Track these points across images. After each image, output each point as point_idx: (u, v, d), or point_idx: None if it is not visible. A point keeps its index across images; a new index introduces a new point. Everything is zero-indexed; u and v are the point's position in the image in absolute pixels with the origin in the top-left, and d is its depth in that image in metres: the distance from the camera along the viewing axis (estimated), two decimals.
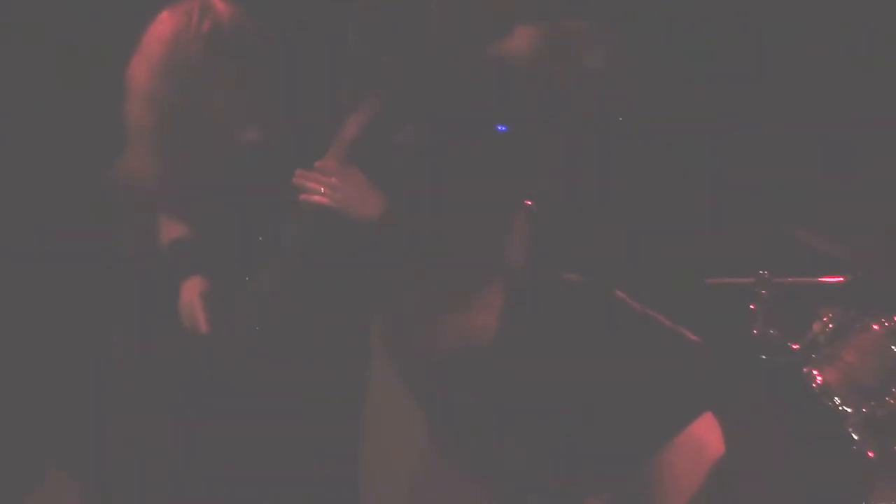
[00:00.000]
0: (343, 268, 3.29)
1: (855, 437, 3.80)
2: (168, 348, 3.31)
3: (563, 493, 3.20)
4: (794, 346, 3.88)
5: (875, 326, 3.82)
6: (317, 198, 3.25)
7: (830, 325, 3.86)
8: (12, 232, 3.92)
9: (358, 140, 3.31)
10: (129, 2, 3.35)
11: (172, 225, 3.37)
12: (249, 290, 3.32)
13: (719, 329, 3.62)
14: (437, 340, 3.18)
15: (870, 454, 3.78)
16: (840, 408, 3.81)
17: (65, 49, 3.93)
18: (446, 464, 3.32)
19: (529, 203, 3.52)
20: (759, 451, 3.48)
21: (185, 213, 3.34)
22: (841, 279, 3.90)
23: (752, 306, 3.86)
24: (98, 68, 3.43)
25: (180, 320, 3.33)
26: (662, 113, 3.93)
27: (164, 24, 3.26)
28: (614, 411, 3.18)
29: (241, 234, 3.37)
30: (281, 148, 3.34)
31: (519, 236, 3.51)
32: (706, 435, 3.34)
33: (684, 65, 4.07)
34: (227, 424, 3.30)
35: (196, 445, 3.32)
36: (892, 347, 3.80)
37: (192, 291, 3.34)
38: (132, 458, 3.37)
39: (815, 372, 3.84)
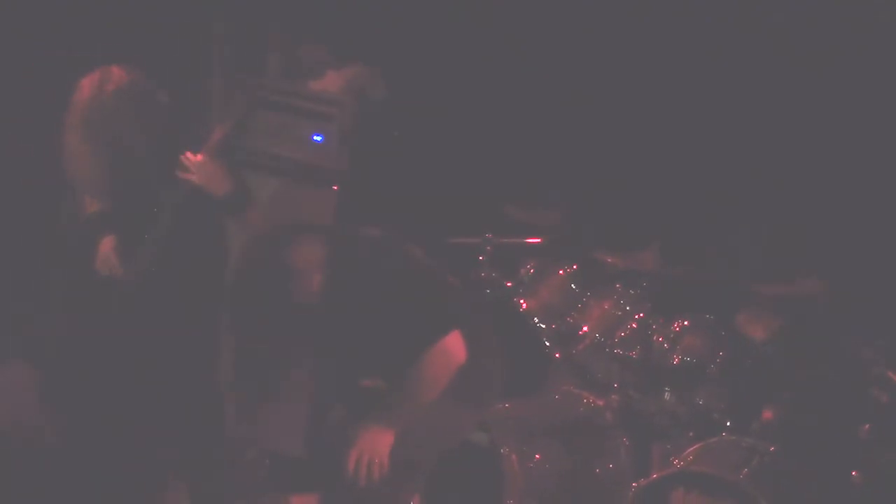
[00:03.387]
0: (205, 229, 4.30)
1: (547, 344, 4.72)
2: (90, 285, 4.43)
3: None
4: (508, 284, 4.79)
5: (560, 272, 4.78)
6: (188, 175, 4.25)
7: (532, 271, 4.80)
8: None
9: (221, 142, 4.30)
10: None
11: (93, 203, 4.47)
12: (146, 244, 4.31)
13: (462, 273, 4.36)
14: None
15: (556, 355, 4.72)
16: (537, 325, 4.73)
17: None
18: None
19: (336, 188, 4.74)
20: (485, 356, 3.87)
21: (104, 195, 4.44)
22: (538, 240, 4.82)
23: (480, 258, 4.82)
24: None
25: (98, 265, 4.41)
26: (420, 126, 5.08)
27: (82, 88, 4.31)
28: (395, 327, 3.74)
29: (143, 207, 4.36)
30: (166, 152, 4.35)
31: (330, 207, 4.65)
32: (453, 346, 3.77)
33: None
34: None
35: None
36: (571, 285, 4.74)
37: (107, 246, 4.41)
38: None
39: (521, 301, 4.77)
